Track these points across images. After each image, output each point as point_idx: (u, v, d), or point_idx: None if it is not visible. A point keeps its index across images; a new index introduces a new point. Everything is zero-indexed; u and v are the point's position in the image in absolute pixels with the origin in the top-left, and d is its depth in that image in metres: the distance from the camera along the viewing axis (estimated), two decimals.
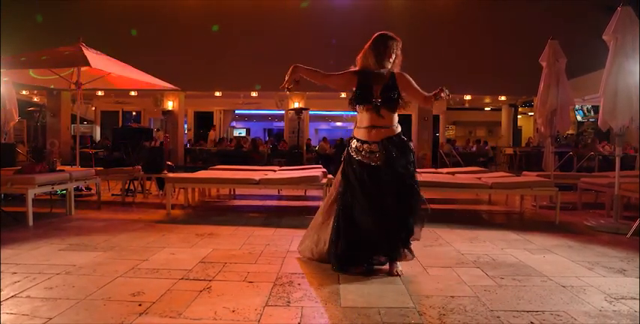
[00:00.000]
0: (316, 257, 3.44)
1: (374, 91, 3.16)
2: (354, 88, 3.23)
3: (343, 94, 15.10)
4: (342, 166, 3.32)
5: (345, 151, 3.33)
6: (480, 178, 5.88)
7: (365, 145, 3.17)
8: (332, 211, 3.35)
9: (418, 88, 3.23)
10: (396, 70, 3.25)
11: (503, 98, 16.08)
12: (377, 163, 3.11)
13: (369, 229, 3.10)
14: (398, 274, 3.09)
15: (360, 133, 3.22)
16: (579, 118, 16.18)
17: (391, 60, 3.19)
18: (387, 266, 3.20)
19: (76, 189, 6.57)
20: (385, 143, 3.13)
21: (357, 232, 3.13)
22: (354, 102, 3.22)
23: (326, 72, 3.31)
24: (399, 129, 3.23)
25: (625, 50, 4.78)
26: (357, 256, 3.19)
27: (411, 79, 3.23)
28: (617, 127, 4.89)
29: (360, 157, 3.16)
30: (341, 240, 3.19)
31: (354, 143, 3.24)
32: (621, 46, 4.80)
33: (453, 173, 6.82)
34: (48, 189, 5.12)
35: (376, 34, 3.22)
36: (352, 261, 3.19)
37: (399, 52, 3.22)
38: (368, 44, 3.22)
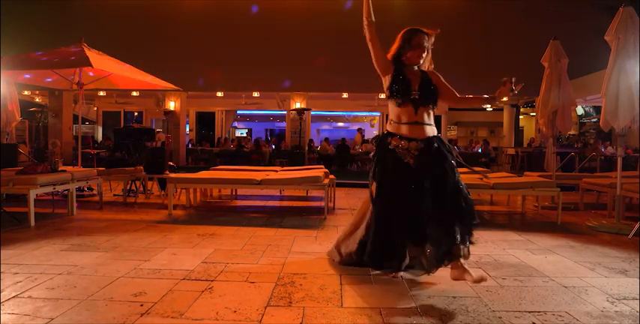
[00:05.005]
0: (344, 259, 3.34)
1: (412, 85, 2.99)
2: (389, 77, 3.05)
3: (345, 95, 15.17)
4: (377, 165, 3.06)
5: (382, 149, 3.04)
6: (481, 179, 5.87)
7: (412, 143, 2.93)
8: (367, 213, 3.18)
9: (450, 87, 3.09)
10: (426, 67, 3.14)
11: (504, 98, 16.05)
12: (423, 164, 2.90)
13: (411, 232, 2.89)
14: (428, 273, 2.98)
15: (403, 130, 2.98)
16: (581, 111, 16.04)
17: (423, 55, 3.06)
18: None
19: (78, 189, 6.58)
20: (434, 141, 2.95)
21: (396, 234, 2.92)
22: (392, 95, 3.01)
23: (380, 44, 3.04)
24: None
25: (627, 50, 4.77)
26: (392, 256, 2.99)
27: (441, 77, 3.11)
28: (618, 128, 4.89)
29: (408, 159, 2.92)
30: (377, 240, 2.99)
31: (395, 141, 2.97)
32: (623, 47, 4.79)
33: None
34: (50, 189, 5.13)
35: (404, 30, 3.07)
36: (387, 261, 3.02)
37: (430, 47, 3.08)
38: (397, 40, 3.09)
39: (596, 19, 9.30)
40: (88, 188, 7.27)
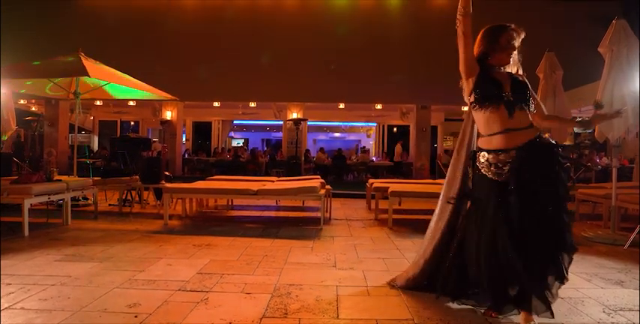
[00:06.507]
0: (407, 284, 3.08)
1: (503, 87, 2.55)
2: (473, 79, 2.61)
3: (342, 105, 15.20)
4: (472, 185, 2.73)
5: (471, 169, 2.71)
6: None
7: (502, 156, 2.48)
8: (436, 234, 2.94)
9: (539, 100, 2.71)
10: (514, 70, 2.69)
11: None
12: (516, 178, 2.42)
13: (498, 266, 2.44)
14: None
15: (494, 142, 2.53)
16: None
17: (513, 54, 2.64)
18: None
19: (73, 199, 6.54)
20: (526, 148, 2.45)
21: (483, 266, 2.50)
22: (481, 100, 2.55)
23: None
24: (538, 130, 2.55)
25: (620, 62, 4.84)
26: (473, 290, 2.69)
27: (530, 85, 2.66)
28: (613, 139, 4.92)
29: (497, 177, 2.50)
30: (456, 266, 2.71)
31: (483, 157, 2.57)
32: (616, 58, 4.85)
33: None
34: (44, 199, 5.09)
35: (487, 27, 2.67)
36: (462, 293, 2.72)
37: (517, 45, 2.64)
38: (479, 41, 2.67)
39: (591, 31, 9.39)
40: (83, 198, 7.23)
